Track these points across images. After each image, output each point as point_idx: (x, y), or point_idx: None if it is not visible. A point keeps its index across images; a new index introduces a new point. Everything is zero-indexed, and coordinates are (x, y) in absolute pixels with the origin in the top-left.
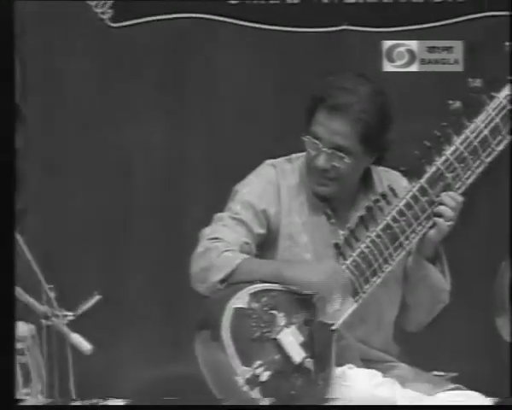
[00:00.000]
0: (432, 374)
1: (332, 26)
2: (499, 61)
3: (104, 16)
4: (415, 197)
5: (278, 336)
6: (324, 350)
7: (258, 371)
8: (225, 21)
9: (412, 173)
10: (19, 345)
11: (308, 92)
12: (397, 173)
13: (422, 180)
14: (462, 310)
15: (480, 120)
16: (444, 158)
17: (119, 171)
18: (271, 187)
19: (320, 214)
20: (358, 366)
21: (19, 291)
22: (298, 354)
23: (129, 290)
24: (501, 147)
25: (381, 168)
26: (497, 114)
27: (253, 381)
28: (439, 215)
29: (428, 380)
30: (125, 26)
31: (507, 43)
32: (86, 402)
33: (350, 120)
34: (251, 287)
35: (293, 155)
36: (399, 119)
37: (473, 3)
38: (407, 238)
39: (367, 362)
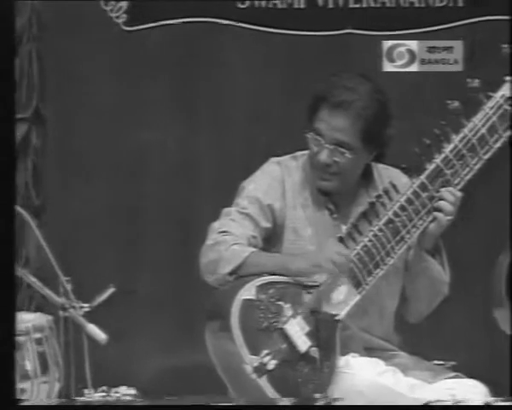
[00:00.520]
0: (432, 363)
1: (337, 30)
2: (496, 63)
3: (119, 20)
4: (415, 193)
5: (285, 326)
6: (329, 340)
7: (266, 359)
8: (235, 25)
9: (413, 170)
10: (37, 335)
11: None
12: (397, 170)
13: (423, 176)
14: (461, 302)
15: (477, 119)
16: (443, 155)
17: (134, 168)
18: (276, 183)
19: (323, 209)
20: (362, 355)
21: (38, 284)
22: (303, 344)
23: (142, 283)
24: (498, 144)
25: (381, 166)
26: (494, 113)
27: (260, 369)
28: (439, 210)
29: (428, 368)
30: (138, 30)
31: (504, 46)
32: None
33: (351, 117)
34: (258, 279)
35: (298, 153)
36: (400, 118)
37: (472, 8)
38: (408, 232)
39: (369, 350)
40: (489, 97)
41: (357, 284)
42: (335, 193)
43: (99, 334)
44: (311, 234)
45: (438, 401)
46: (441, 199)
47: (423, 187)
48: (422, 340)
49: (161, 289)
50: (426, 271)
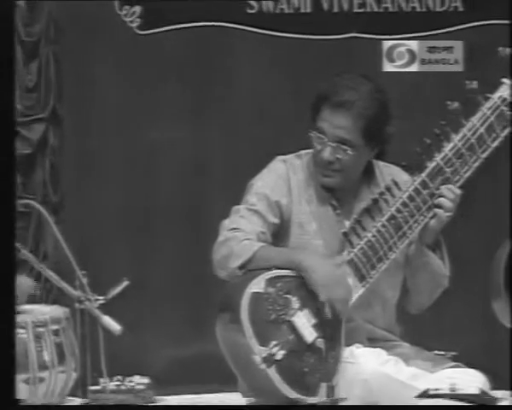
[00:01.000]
0: (432, 353)
1: (341, 34)
2: (494, 65)
3: (133, 24)
4: (417, 190)
5: (292, 319)
6: (334, 331)
7: (274, 350)
8: (244, 29)
9: (414, 168)
10: (55, 326)
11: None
12: (397, 168)
13: (423, 174)
14: (461, 294)
15: (476, 119)
16: (443, 154)
17: (147, 167)
18: (282, 180)
19: (327, 205)
20: (365, 346)
21: (55, 277)
22: (310, 335)
23: (155, 276)
24: (496, 144)
25: (382, 163)
26: (491, 114)
27: (269, 359)
28: (439, 206)
29: (429, 358)
30: (151, 34)
31: (500, 48)
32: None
33: (353, 116)
34: (267, 273)
35: (303, 152)
36: (401, 118)
37: (472, 12)
38: (410, 228)
39: (372, 341)
40: (487, 98)
41: (362, 278)
42: (338, 189)
43: (114, 325)
44: (315, 229)
45: (437, 389)
46: (441, 196)
47: (424, 185)
48: (423, 331)
49: (173, 282)
50: (426, 265)
